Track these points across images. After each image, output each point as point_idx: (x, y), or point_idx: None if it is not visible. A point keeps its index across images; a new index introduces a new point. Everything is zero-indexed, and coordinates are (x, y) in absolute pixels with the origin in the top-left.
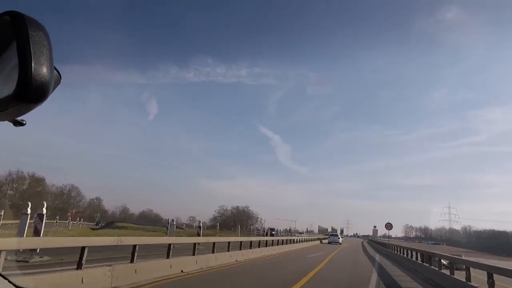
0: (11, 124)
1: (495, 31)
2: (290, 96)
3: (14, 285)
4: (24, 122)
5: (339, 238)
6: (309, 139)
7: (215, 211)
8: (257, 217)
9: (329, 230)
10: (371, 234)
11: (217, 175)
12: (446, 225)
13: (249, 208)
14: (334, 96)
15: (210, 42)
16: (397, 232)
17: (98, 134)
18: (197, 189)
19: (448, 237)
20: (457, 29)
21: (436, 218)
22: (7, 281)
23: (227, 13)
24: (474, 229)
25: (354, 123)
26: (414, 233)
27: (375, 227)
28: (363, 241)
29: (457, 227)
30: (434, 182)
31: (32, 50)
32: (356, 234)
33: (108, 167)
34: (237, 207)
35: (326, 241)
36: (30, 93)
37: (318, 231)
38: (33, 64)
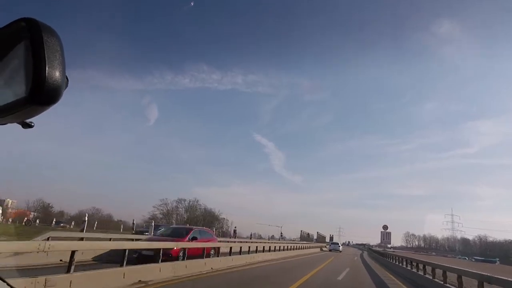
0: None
1: (486, 45)
2: (285, 104)
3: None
4: (33, 124)
5: (339, 246)
6: (303, 147)
7: (154, 207)
8: (221, 217)
9: (315, 237)
10: (367, 242)
11: (207, 181)
12: (449, 234)
13: (198, 202)
14: (328, 105)
15: (206, 49)
16: (394, 241)
17: (87, 140)
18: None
19: (460, 248)
20: (450, 42)
21: (437, 227)
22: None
23: (222, 20)
24: (491, 239)
25: (348, 132)
26: (416, 242)
27: (385, 227)
28: (362, 253)
29: (460, 236)
30: (427, 192)
31: (46, 54)
32: (348, 242)
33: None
34: (182, 200)
35: (319, 250)
36: (43, 96)
37: (300, 237)
38: (47, 68)
